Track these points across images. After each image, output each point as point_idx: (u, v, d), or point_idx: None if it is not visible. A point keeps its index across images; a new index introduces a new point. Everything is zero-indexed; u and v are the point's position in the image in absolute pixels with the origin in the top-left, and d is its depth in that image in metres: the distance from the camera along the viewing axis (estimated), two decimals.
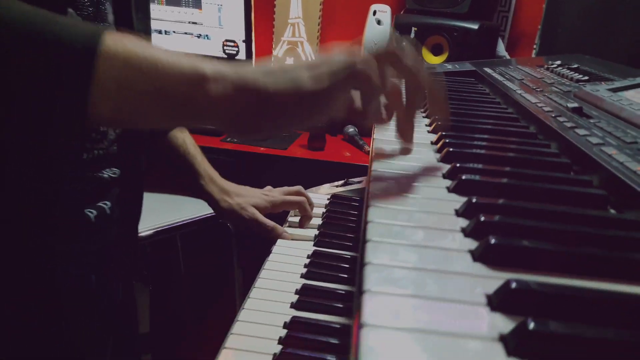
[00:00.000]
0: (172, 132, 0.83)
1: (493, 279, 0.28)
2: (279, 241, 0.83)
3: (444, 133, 0.56)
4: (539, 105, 0.66)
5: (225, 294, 1.72)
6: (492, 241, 0.31)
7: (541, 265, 0.30)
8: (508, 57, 1.85)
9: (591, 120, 0.58)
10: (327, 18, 1.84)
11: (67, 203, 0.55)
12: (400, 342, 0.23)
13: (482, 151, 0.52)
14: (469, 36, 1.64)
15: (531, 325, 0.23)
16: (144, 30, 0.65)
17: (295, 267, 0.75)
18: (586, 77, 0.80)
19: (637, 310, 0.25)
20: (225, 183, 0.85)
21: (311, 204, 0.89)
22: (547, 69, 0.93)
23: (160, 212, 1.45)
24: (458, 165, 0.45)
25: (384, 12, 1.77)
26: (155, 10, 1.78)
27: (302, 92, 0.42)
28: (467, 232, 0.35)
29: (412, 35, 1.70)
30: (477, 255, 0.31)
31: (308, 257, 0.78)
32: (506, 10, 1.91)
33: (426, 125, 0.65)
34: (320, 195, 0.99)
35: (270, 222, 0.83)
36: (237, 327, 0.61)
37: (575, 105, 0.63)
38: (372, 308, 0.26)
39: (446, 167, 0.47)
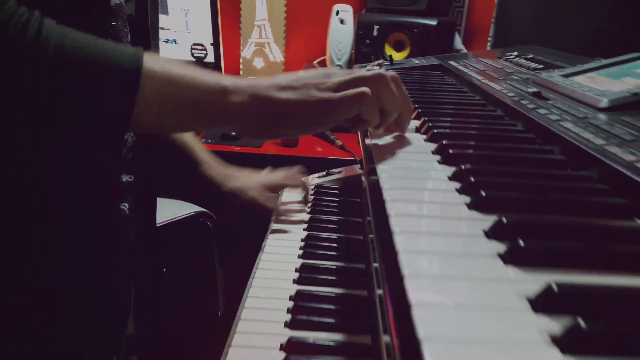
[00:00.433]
0: None
1: (482, 221, 0.38)
2: (272, 232, 0.90)
3: (426, 119, 0.66)
4: (503, 91, 0.76)
5: (207, 293, 1.77)
6: (483, 193, 0.40)
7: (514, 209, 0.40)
8: (465, 50, 1.97)
9: (549, 102, 0.68)
10: (292, 19, 1.93)
11: (104, 201, 0.62)
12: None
13: (460, 131, 0.62)
14: (429, 32, 1.76)
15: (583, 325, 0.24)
16: (155, 47, 0.72)
17: (291, 249, 0.83)
18: (541, 66, 0.91)
19: None
20: (226, 168, 0.92)
21: (306, 187, 0.97)
22: (506, 59, 1.04)
23: None
24: (444, 142, 0.54)
25: (347, 11, 1.86)
26: None
27: (309, 104, 0.51)
28: (460, 190, 0.44)
29: (375, 33, 1.80)
30: (471, 205, 0.41)
31: (302, 240, 0.86)
32: (461, 5, 2.04)
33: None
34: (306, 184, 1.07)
35: (271, 202, 0.91)
36: (248, 301, 0.69)
37: (535, 90, 0.73)
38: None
39: (433, 146, 0.56)
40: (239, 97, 0.50)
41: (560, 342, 0.24)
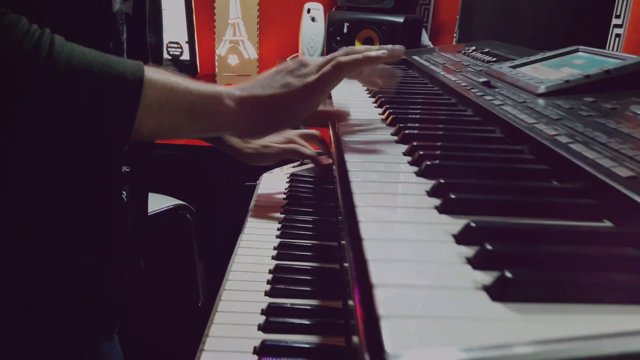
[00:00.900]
0: None
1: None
2: (249, 218, 0.98)
3: (388, 106, 0.74)
4: (457, 82, 0.86)
5: (187, 286, 1.84)
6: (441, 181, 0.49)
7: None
8: (432, 46, 2.07)
9: (496, 90, 0.77)
10: (265, 17, 2.00)
11: (109, 187, 0.68)
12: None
13: (418, 116, 0.70)
14: (396, 29, 1.85)
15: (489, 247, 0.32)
16: (156, 42, 0.79)
17: (270, 231, 0.91)
18: (494, 59, 1.01)
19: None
20: None
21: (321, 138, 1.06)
22: (464, 54, 1.14)
23: None
24: (401, 125, 0.63)
25: (317, 9, 1.94)
26: None
27: (290, 92, 0.59)
28: (410, 162, 0.52)
29: (345, 30, 1.89)
30: (419, 172, 0.49)
31: (279, 222, 0.94)
32: (427, 3, 2.14)
33: (373, 103, 0.83)
34: (282, 174, 1.15)
35: (293, 144, 0.99)
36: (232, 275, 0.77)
37: (485, 79, 0.82)
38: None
39: (392, 129, 0.65)
40: (231, 102, 0.57)
41: (473, 261, 0.33)
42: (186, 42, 1.91)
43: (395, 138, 0.61)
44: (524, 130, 0.57)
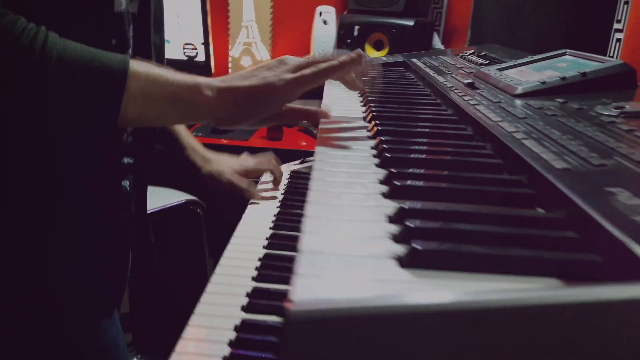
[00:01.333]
0: None
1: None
2: (247, 210, 1.03)
3: (371, 105, 0.79)
4: (444, 83, 0.90)
5: (197, 277, 1.90)
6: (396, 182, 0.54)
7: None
8: (443, 49, 2.10)
9: (477, 91, 0.81)
10: (278, 20, 2.06)
11: (107, 178, 0.74)
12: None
13: (397, 114, 0.75)
14: (406, 32, 1.89)
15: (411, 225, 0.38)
16: (159, 42, 0.85)
17: (265, 222, 0.97)
18: (487, 62, 1.04)
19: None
20: (206, 152, 1.05)
21: (279, 171, 1.10)
22: (461, 57, 1.18)
23: None
24: (377, 122, 0.68)
25: (329, 12, 2.00)
26: None
27: (268, 85, 0.64)
28: (378, 164, 0.57)
29: (356, 33, 1.94)
30: (380, 164, 0.54)
31: (274, 215, 0.99)
32: (440, 7, 2.17)
33: (360, 102, 0.88)
34: (285, 170, 1.21)
35: (244, 183, 1.04)
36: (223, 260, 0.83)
37: (470, 81, 0.86)
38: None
39: (369, 125, 0.70)
40: (210, 92, 0.63)
41: (396, 236, 0.38)
42: (201, 44, 1.98)
43: (369, 134, 0.66)
44: (487, 128, 0.61)
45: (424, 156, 0.56)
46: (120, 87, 0.57)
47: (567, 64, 0.85)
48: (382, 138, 0.60)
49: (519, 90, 0.76)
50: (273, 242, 0.88)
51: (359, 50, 0.69)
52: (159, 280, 1.83)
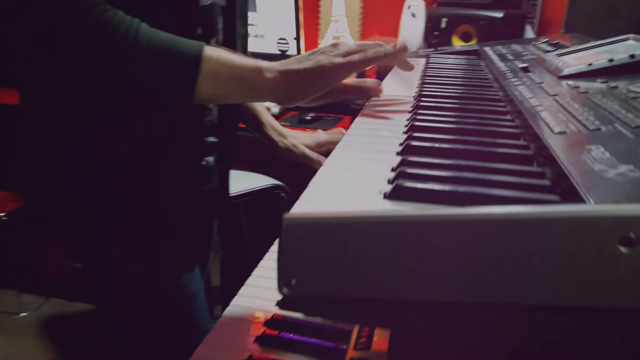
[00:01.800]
0: None
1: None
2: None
3: (425, 85, 0.87)
4: (503, 68, 0.95)
5: None
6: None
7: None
8: (521, 39, 2.09)
9: (528, 74, 0.86)
10: (367, 14, 2.16)
11: (192, 153, 0.88)
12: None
13: (445, 93, 0.82)
14: (494, 24, 1.91)
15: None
16: (244, 33, 0.99)
17: None
18: (554, 49, 1.08)
19: None
20: (282, 129, 1.18)
21: None
22: (533, 45, 1.21)
23: None
24: (421, 100, 0.76)
25: (418, 5, 2.06)
26: None
27: (320, 67, 0.74)
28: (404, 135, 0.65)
29: (443, 25, 1.99)
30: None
31: None
32: None
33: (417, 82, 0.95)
34: None
35: (317, 156, 1.15)
36: None
37: (525, 65, 0.91)
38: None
39: (414, 102, 0.78)
40: (271, 74, 0.74)
41: (390, 180, 0.46)
42: (294, 39, 2.12)
43: (410, 108, 0.74)
44: (516, 102, 0.67)
45: (447, 126, 0.63)
46: (195, 69, 0.70)
47: (625, 48, 0.88)
48: (416, 115, 0.68)
49: (565, 72, 0.80)
50: None
51: (404, 42, 0.78)
52: (247, 258, 1.99)
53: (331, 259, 0.38)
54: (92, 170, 0.82)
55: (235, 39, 0.97)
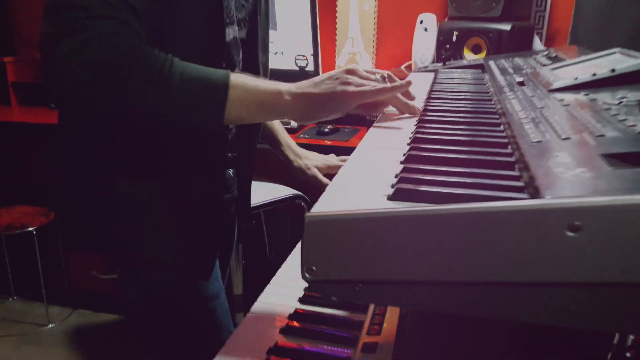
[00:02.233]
0: None
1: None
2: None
3: (431, 99, 0.97)
4: (501, 82, 1.06)
5: None
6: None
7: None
8: (525, 51, 2.19)
9: (523, 87, 0.97)
10: (381, 29, 2.28)
11: (213, 166, 1.00)
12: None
13: (447, 107, 0.93)
14: (503, 36, 2.02)
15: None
16: (265, 61, 1.11)
17: None
18: (551, 62, 1.18)
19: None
20: (299, 149, 1.30)
21: None
22: (534, 58, 1.31)
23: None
24: (426, 113, 0.87)
25: (430, 20, 2.17)
26: None
27: (333, 94, 0.86)
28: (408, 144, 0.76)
29: (454, 38, 2.10)
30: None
31: None
32: (542, 10, 2.26)
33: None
34: None
35: (325, 180, 1.26)
36: None
37: (521, 79, 1.02)
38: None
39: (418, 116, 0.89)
40: (289, 96, 0.86)
41: (393, 185, 0.57)
42: (311, 55, 2.25)
43: (416, 120, 0.85)
44: (506, 115, 0.78)
45: (445, 137, 0.74)
46: (223, 96, 0.81)
47: (609, 62, 0.98)
48: (417, 131, 0.79)
49: (554, 85, 0.90)
50: None
51: (410, 80, 0.90)
52: (269, 266, 2.11)
53: (344, 248, 0.49)
54: (130, 185, 0.94)
55: (259, 67, 1.09)
